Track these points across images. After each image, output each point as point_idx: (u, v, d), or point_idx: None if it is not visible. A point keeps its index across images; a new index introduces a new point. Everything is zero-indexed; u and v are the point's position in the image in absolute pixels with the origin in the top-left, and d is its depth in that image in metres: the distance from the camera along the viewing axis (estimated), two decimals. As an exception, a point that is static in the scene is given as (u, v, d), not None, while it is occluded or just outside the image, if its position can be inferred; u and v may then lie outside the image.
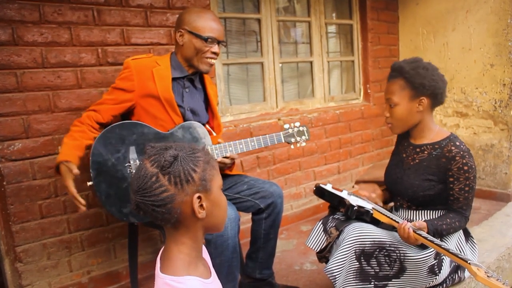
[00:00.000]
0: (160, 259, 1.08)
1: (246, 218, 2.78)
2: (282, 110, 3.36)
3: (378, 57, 3.96)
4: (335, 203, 1.95)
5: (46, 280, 2.27)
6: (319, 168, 3.57)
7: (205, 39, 1.92)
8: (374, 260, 1.74)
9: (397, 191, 1.98)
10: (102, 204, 1.86)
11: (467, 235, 2.01)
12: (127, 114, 2.02)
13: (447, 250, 1.58)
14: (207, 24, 1.93)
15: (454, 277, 1.87)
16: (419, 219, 1.91)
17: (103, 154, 1.85)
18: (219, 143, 2.04)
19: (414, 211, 1.94)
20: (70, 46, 2.25)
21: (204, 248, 1.17)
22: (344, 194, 1.96)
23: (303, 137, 2.21)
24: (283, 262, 2.71)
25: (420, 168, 1.89)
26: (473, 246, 2.01)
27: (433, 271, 1.74)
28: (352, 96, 3.95)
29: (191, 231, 1.04)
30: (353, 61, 3.95)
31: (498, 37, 3.44)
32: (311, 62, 3.61)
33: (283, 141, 2.17)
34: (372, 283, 1.74)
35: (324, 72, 3.67)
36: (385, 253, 1.72)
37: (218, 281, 1.16)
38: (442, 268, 1.75)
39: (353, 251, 1.74)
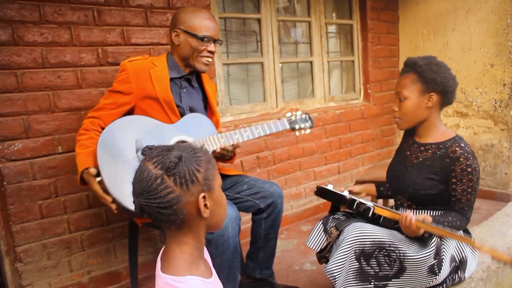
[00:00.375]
0: (161, 259, 1.08)
1: (246, 218, 2.78)
2: (282, 110, 3.36)
3: (378, 57, 3.96)
4: (337, 201, 1.95)
5: (46, 280, 2.27)
6: (319, 168, 3.57)
7: (201, 38, 1.92)
8: (374, 260, 1.74)
9: (399, 188, 1.98)
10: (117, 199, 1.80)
11: (467, 235, 2.01)
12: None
13: (451, 232, 1.60)
14: (203, 23, 1.93)
15: (454, 277, 1.86)
16: None
17: (110, 151, 1.82)
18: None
19: (414, 211, 1.94)
20: (70, 46, 2.25)
21: (204, 248, 1.17)
22: (345, 193, 1.96)
23: (307, 124, 2.20)
24: (283, 262, 2.71)
25: (423, 167, 1.88)
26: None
27: (433, 271, 1.74)
28: (352, 96, 3.95)
29: (194, 230, 1.04)
30: (353, 61, 3.95)
31: (498, 37, 3.44)
32: (311, 62, 3.61)
33: (288, 127, 2.15)
34: (372, 283, 1.74)
35: (324, 72, 3.67)
36: (385, 253, 1.72)
37: (219, 280, 1.16)
38: (442, 268, 1.75)
39: (353, 251, 1.74)
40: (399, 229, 1.86)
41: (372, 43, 3.88)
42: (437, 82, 1.81)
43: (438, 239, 1.80)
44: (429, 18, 3.88)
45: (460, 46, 3.68)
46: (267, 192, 2.11)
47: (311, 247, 1.97)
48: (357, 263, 1.74)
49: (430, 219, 1.70)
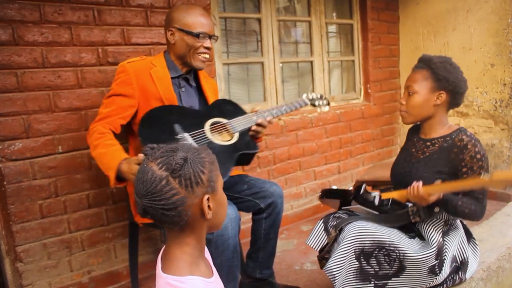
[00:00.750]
0: (161, 259, 1.08)
1: (246, 218, 2.78)
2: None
3: (378, 57, 3.96)
4: (343, 196, 1.95)
5: (47, 280, 2.27)
6: (319, 168, 3.57)
7: (197, 35, 1.91)
8: (374, 259, 1.74)
9: (405, 185, 1.94)
10: None
11: (469, 236, 2.01)
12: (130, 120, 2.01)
13: (460, 182, 1.62)
14: (197, 19, 1.93)
15: (454, 277, 1.86)
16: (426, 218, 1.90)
17: (152, 137, 1.78)
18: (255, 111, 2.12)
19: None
20: (71, 46, 2.25)
21: (205, 247, 1.16)
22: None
23: (324, 101, 2.23)
24: (284, 262, 2.71)
25: (430, 161, 1.87)
26: (475, 248, 2.01)
27: (433, 271, 1.73)
28: (352, 96, 3.95)
29: (196, 231, 1.04)
30: (353, 61, 3.95)
31: (498, 37, 3.43)
32: (311, 62, 3.61)
33: (308, 103, 2.23)
34: (372, 282, 1.74)
35: (324, 72, 3.67)
36: (385, 253, 1.72)
37: (220, 280, 1.16)
38: (443, 268, 1.75)
39: (353, 251, 1.74)
40: (402, 226, 1.86)
41: (373, 43, 3.88)
42: (449, 81, 1.81)
43: (441, 239, 1.78)
44: (429, 18, 3.88)
45: (461, 46, 3.68)
46: (267, 192, 2.11)
47: (311, 245, 1.97)
48: (357, 262, 1.74)
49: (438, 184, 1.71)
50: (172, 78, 2.00)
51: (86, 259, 2.40)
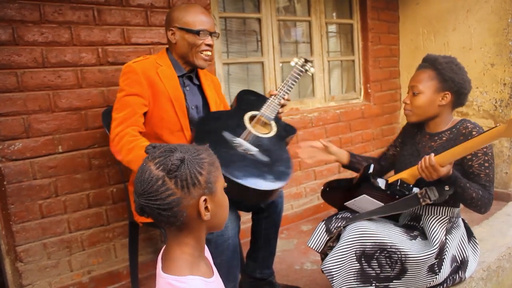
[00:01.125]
0: (162, 259, 1.08)
1: (246, 218, 2.78)
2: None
3: (378, 57, 3.96)
4: (348, 184, 1.94)
5: (47, 279, 2.27)
6: (319, 167, 3.56)
7: (197, 32, 1.91)
8: (375, 261, 1.73)
9: (425, 184, 1.93)
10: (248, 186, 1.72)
11: (470, 235, 2.01)
12: None
13: (472, 139, 1.57)
14: (197, 17, 1.92)
15: (455, 277, 1.86)
16: (430, 213, 1.88)
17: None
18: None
19: (425, 205, 1.90)
20: (71, 46, 2.25)
21: (205, 247, 1.16)
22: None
23: (309, 64, 2.23)
24: (284, 261, 2.71)
25: (439, 154, 1.86)
26: (475, 246, 2.01)
27: (433, 270, 1.73)
28: (352, 96, 3.95)
29: (194, 232, 1.04)
30: (353, 61, 3.95)
31: (498, 36, 3.43)
32: (311, 62, 3.60)
33: (303, 70, 2.20)
34: (373, 284, 1.73)
35: (324, 72, 3.67)
36: (386, 255, 1.71)
37: (220, 279, 1.16)
38: (442, 267, 1.75)
39: (354, 252, 1.73)
40: (405, 225, 1.86)
41: (373, 43, 3.88)
42: (454, 81, 1.81)
43: (444, 238, 1.78)
44: (429, 17, 3.88)
45: (461, 46, 3.68)
46: (267, 192, 2.11)
47: (312, 247, 1.95)
48: (358, 264, 1.73)
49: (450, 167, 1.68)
50: (178, 77, 2.00)
51: (86, 259, 2.40)
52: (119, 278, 2.53)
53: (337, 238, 1.86)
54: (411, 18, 4.03)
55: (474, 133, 1.78)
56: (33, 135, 2.17)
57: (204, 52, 1.96)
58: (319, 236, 1.94)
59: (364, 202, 1.88)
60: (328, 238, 1.91)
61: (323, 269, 1.77)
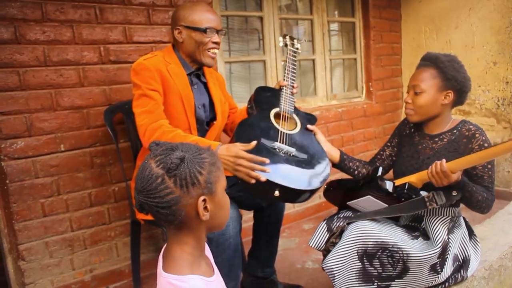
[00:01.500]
0: (163, 258, 1.08)
1: (248, 216, 2.78)
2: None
3: (380, 55, 3.95)
4: (352, 185, 1.93)
5: (49, 278, 2.28)
6: (321, 166, 3.56)
7: (204, 30, 1.90)
8: (377, 260, 1.72)
9: (432, 188, 1.92)
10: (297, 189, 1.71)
11: (471, 233, 2.00)
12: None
13: (485, 149, 1.57)
14: (203, 15, 1.92)
15: (456, 276, 1.86)
16: (432, 214, 1.87)
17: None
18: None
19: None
20: (73, 44, 2.25)
21: (206, 246, 1.16)
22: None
23: (295, 40, 2.22)
24: (285, 260, 2.71)
25: (440, 156, 1.84)
26: (476, 245, 2.01)
27: (435, 269, 1.73)
28: (354, 94, 3.95)
29: (194, 231, 1.04)
30: (355, 59, 3.94)
31: (501, 35, 3.42)
32: (313, 60, 3.60)
33: (296, 50, 2.20)
34: (375, 284, 1.73)
35: (326, 70, 3.67)
36: (388, 254, 1.71)
37: (221, 278, 1.16)
38: (445, 267, 1.74)
39: (355, 251, 1.73)
40: (407, 225, 1.86)
41: (375, 41, 3.87)
42: (457, 80, 1.79)
43: (446, 238, 1.77)
44: (431, 16, 3.87)
45: (463, 44, 3.67)
46: (269, 191, 2.10)
47: (314, 247, 1.94)
48: (360, 264, 1.73)
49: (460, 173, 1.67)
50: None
51: (88, 257, 2.41)
52: (121, 277, 2.53)
53: (340, 234, 1.85)
54: (413, 16, 4.02)
55: (477, 135, 1.77)
56: (35, 134, 2.18)
57: (211, 50, 1.95)
58: (321, 236, 1.94)
59: (368, 202, 1.87)
60: (330, 235, 1.90)
61: (324, 267, 1.76)
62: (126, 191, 2.43)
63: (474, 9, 3.56)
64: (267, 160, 1.63)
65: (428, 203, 1.69)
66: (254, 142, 1.65)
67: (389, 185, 1.77)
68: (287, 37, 2.21)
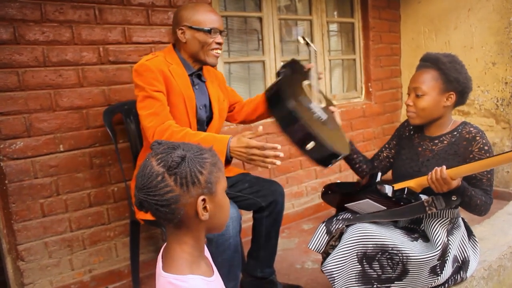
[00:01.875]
0: (162, 258, 1.08)
1: (247, 217, 2.78)
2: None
3: (379, 56, 3.95)
4: (350, 188, 1.92)
5: (48, 278, 2.28)
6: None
7: (208, 31, 1.90)
8: (377, 263, 1.72)
9: (431, 193, 1.91)
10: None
11: (470, 233, 2.00)
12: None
13: (486, 159, 1.57)
14: (207, 16, 1.92)
15: (456, 277, 1.85)
16: (431, 216, 1.86)
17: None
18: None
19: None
20: (72, 45, 2.25)
21: (205, 246, 1.16)
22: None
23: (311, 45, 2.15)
24: (285, 260, 2.71)
25: (440, 158, 1.84)
26: (475, 245, 2.00)
27: (435, 271, 1.73)
28: (353, 95, 3.95)
29: (193, 231, 1.04)
30: (354, 60, 3.94)
31: (500, 35, 3.43)
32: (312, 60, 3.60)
33: (314, 47, 2.14)
34: (375, 286, 1.72)
35: (325, 71, 3.67)
36: (388, 256, 1.70)
37: (220, 279, 1.16)
38: (444, 269, 1.74)
39: (355, 254, 1.72)
40: (406, 227, 1.85)
41: (374, 42, 3.88)
42: (459, 81, 1.77)
43: (446, 240, 1.77)
44: (431, 16, 3.87)
45: (462, 45, 3.67)
46: (268, 190, 2.11)
47: (313, 249, 1.93)
48: (360, 266, 1.72)
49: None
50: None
51: (87, 257, 2.41)
52: (120, 277, 2.53)
53: (339, 237, 1.84)
54: (412, 17, 4.03)
55: (477, 138, 1.77)
56: (34, 134, 2.18)
57: (215, 50, 1.95)
58: (320, 238, 1.93)
59: (367, 205, 1.86)
60: (329, 238, 1.90)
61: (323, 270, 1.76)
62: (126, 191, 2.43)
63: (473, 9, 3.56)
64: (278, 146, 1.63)
65: (427, 208, 1.68)
66: (261, 128, 1.65)
67: (388, 190, 1.76)
68: (307, 39, 2.19)
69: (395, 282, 1.73)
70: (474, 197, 1.71)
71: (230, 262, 1.81)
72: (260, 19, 3.22)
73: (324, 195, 2.05)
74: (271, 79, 3.28)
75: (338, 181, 2.00)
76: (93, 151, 2.37)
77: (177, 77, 1.90)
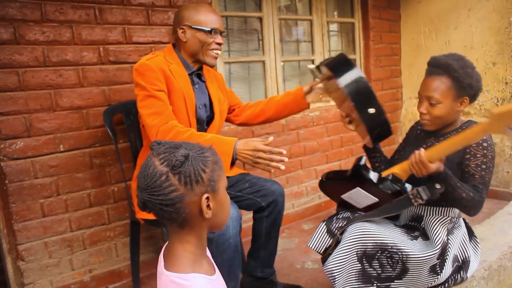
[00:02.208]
0: (164, 256, 1.08)
1: (247, 217, 2.78)
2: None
3: (379, 56, 3.95)
4: (344, 176, 1.91)
5: (48, 278, 2.28)
6: (320, 166, 3.56)
7: (209, 31, 1.92)
8: (376, 261, 1.72)
9: (417, 182, 1.90)
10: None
11: (471, 234, 2.00)
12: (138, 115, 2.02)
13: (462, 134, 1.56)
14: (208, 16, 1.93)
15: (456, 277, 1.86)
16: (432, 214, 1.86)
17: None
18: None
19: (426, 206, 1.89)
20: (72, 45, 2.25)
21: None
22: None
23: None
24: (285, 260, 2.71)
25: None
26: (476, 246, 2.01)
27: (434, 270, 1.73)
28: (353, 95, 3.94)
29: (196, 230, 1.04)
30: (354, 60, 3.94)
31: (500, 35, 3.43)
32: (313, 61, 3.60)
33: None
34: (375, 284, 1.73)
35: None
36: (387, 255, 1.71)
37: (222, 277, 1.16)
38: (444, 268, 1.74)
39: (355, 253, 1.72)
40: (406, 225, 1.85)
41: (374, 42, 3.87)
42: (473, 87, 1.74)
43: (445, 239, 1.77)
44: (431, 16, 3.87)
45: (462, 45, 3.67)
46: (268, 190, 2.11)
47: (313, 248, 1.94)
48: (359, 265, 1.72)
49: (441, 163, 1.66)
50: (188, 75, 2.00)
51: (87, 257, 2.41)
52: (120, 277, 2.53)
53: (336, 245, 1.84)
54: (412, 17, 4.03)
55: None
56: (35, 134, 2.18)
57: (214, 51, 1.97)
58: (320, 237, 1.93)
59: (359, 195, 1.86)
60: (328, 245, 1.89)
61: (324, 270, 1.76)
62: (126, 191, 2.43)
63: (474, 9, 3.56)
64: (284, 151, 1.66)
65: (413, 200, 1.66)
66: (271, 138, 1.67)
67: (373, 176, 1.76)
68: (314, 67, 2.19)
69: (395, 281, 1.73)
70: (459, 189, 1.67)
71: (230, 262, 1.81)
72: (260, 19, 3.22)
73: (322, 183, 2.03)
74: (271, 79, 3.29)
75: (335, 170, 1.99)
76: (93, 151, 2.37)
77: (177, 76, 1.91)
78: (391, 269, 1.72)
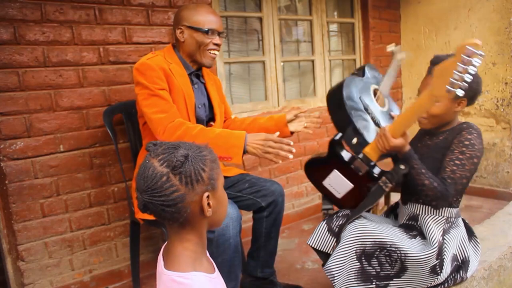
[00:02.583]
0: (163, 256, 1.08)
1: (247, 217, 2.78)
2: (283, 109, 3.35)
3: (379, 56, 3.95)
4: (323, 159, 1.97)
5: (48, 278, 2.28)
6: (320, 167, 3.56)
7: (206, 32, 1.92)
8: (375, 260, 1.73)
9: (411, 182, 1.91)
10: None
11: (471, 234, 2.00)
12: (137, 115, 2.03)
13: (417, 103, 1.64)
14: (206, 17, 1.94)
15: (456, 276, 1.86)
16: (426, 213, 1.86)
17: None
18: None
19: (421, 205, 1.90)
20: (72, 45, 2.26)
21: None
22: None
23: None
24: (285, 260, 2.71)
25: (430, 150, 1.85)
26: (476, 246, 2.01)
27: (435, 271, 1.73)
28: (353, 95, 3.94)
29: (196, 228, 1.05)
30: (354, 60, 3.94)
31: (500, 35, 3.43)
32: (312, 61, 3.60)
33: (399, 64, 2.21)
34: (374, 283, 1.73)
35: (325, 71, 3.67)
36: (386, 253, 1.72)
37: (221, 276, 1.17)
38: (444, 268, 1.74)
39: (354, 251, 1.73)
40: (404, 225, 1.86)
41: (374, 42, 3.88)
42: (472, 89, 1.73)
43: (441, 238, 1.78)
44: (431, 16, 3.87)
45: (462, 45, 3.66)
46: (268, 191, 2.11)
47: (313, 245, 1.95)
48: (358, 263, 1.73)
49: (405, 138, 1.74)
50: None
51: (87, 258, 2.41)
52: (120, 277, 2.53)
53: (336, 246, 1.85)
54: (412, 17, 4.03)
55: (463, 133, 1.77)
56: (35, 134, 2.18)
57: (212, 51, 1.97)
58: (321, 235, 1.94)
59: (337, 181, 1.92)
60: (329, 244, 1.90)
61: (325, 271, 1.77)
62: (126, 191, 2.43)
63: (474, 9, 3.56)
64: (291, 142, 1.70)
65: (384, 186, 1.75)
66: (277, 134, 1.73)
67: (345, 155, 1.84)
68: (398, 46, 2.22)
69: (394, 279, 1.73)
70: (422, 174, 1.70)
71: (230, 262, 1.81)
72: (260, 19, 3.22)
73: (306, 170, 2.07)
74: (271, 79, 3.29)
75: (315, 154, 2.05)
76: (93, 151, 2.37)
77: (177, 75, 1.93)
78: (389, 268, 1.73)
